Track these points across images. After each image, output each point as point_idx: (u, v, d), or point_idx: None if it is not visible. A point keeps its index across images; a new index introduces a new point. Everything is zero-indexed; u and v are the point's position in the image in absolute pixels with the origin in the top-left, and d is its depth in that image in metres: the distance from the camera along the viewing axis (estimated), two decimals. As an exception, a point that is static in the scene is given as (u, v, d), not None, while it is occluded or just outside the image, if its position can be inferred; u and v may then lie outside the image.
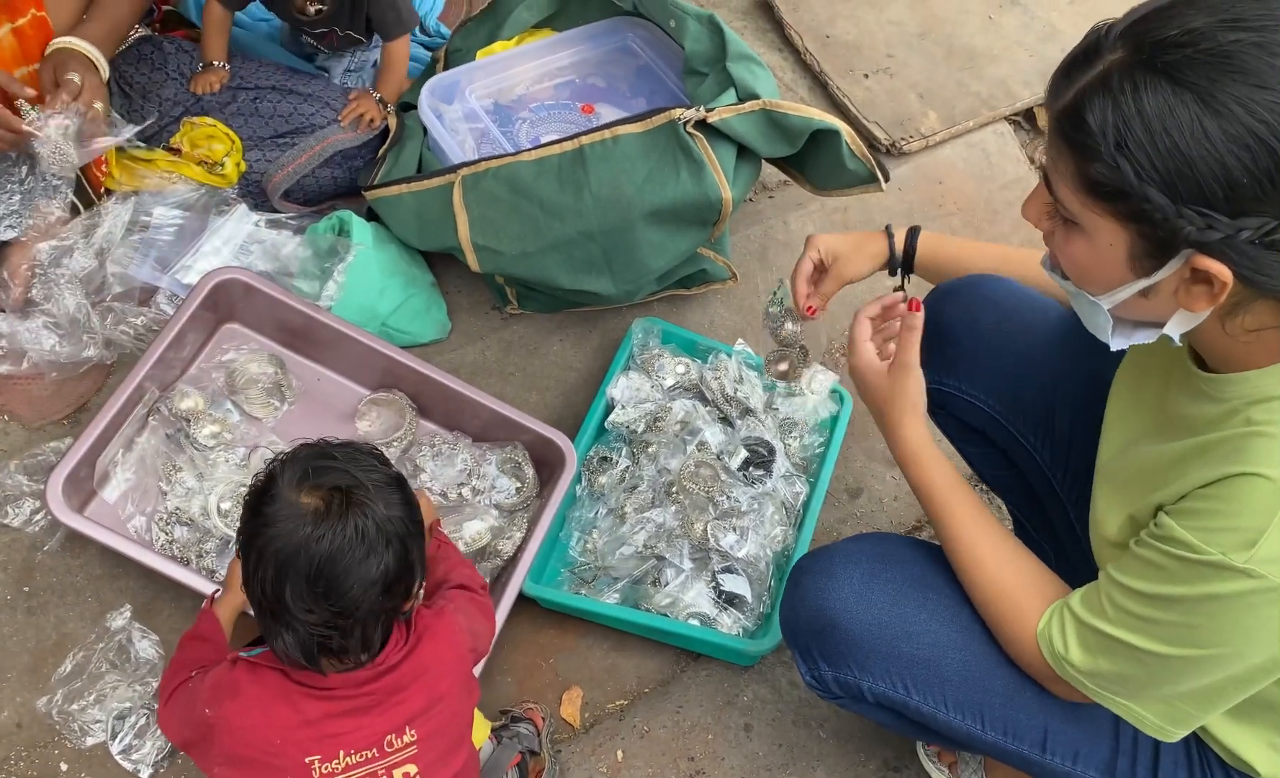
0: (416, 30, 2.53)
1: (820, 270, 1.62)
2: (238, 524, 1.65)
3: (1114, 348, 1.11)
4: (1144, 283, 1.03)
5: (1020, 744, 1.30)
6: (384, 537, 1.20)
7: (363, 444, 1.29)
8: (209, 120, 2.07)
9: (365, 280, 1.99)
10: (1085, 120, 0.97)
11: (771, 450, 1.99)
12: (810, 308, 1.61)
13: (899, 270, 1.61)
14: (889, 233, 1.61)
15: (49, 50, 1.88)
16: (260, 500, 1.21)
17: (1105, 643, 1.13)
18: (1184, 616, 1.05)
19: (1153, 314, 1.06)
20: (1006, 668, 1.28)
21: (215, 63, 2.13)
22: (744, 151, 1.98)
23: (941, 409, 1.63)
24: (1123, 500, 1.18)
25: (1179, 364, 1.15)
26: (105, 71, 1.93)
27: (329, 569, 1.17)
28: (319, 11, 2.12)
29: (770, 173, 2.37)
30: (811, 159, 2.04)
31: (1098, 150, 0.97)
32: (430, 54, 2.45)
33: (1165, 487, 1.09)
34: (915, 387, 1.36)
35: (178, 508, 1.77)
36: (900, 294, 1.46)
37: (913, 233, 1.61)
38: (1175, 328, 1.05)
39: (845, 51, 2.83)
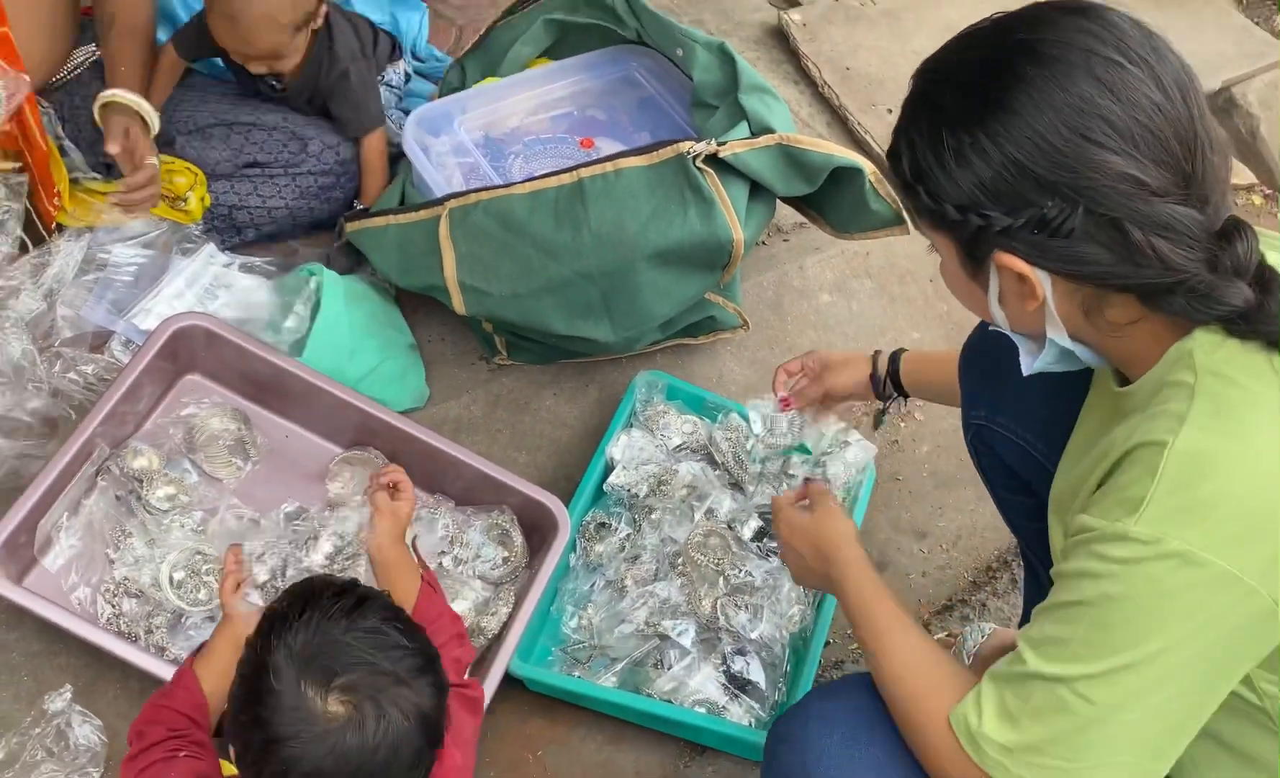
0: (410, 55, 2.53)
1: (811, 377, 1.87)
2: (192, 597, 1.65)
3: (1025, 372, 1.20)
4: (994, 292, 1.11)
5: None
6: (427, 733, 1.09)
7: (377, 602, 1.13)
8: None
9: (334, 341, 1.94)
10: (898, 151, 1.13)
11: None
12: (784, 400, 1.88)
13: (883, 392, 1.81)
14: (875, 357, 1.82)
15: (100, 102, 1.90)
16: (257, 700, 1.04)
17: (1025, 692, 1.10)
18: (1099, 614, 1.05)
19: (1031, 327, 1.14)
20: None
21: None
22: (757, 190, 1.96)
23: (990, 449, 1.57)
24: (1060, 527, 1.23)
25: (1109, 389, 1.20)
26: (155, 127, 1.96)
27: None
28: (273, 89, 2.12)
29: (786, 214, 2.36)
30: (831, 199, 2.02)
31: (904, 173, 1.12)
32: (427, 80, 2.48)
33: (1080, 496, 1.15)
34: (844, 521, 1.45)
35: (126, 578, 1.71)
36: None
37: (895, 356, 1.79)
38: (1054, 332, 1.12)
39: (866, 85, 2.83)
